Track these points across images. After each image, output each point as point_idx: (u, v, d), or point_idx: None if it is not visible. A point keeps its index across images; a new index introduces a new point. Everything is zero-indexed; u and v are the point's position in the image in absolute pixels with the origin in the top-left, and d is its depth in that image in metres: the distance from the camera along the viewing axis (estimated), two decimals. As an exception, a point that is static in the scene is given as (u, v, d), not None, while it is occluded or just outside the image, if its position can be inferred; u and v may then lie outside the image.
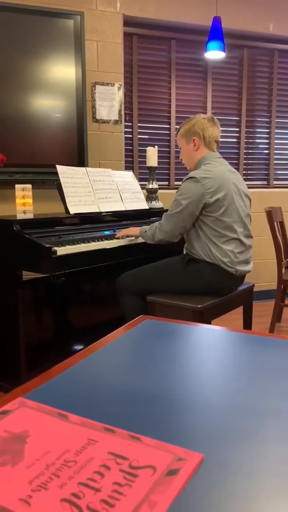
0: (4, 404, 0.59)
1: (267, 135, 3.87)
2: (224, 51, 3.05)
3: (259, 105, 3.80)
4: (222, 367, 0.70)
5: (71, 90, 2.83)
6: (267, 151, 3.89)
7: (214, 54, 3.09)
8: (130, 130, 3.43)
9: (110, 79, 3.13)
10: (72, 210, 2.21)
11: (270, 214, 2.76)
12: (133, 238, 2.24)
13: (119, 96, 3.16)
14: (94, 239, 2.14)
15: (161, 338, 0.83)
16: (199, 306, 1.91)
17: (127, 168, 3.38)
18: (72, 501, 0.41)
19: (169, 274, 2.09)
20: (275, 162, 3.91)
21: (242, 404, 0.59)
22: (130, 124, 3.43)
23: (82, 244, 2.05)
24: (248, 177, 3.84)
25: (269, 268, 3.73)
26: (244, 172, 3.83)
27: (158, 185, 2.91)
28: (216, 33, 2.98)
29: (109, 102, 3.14)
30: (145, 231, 2.11)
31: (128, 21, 3.20)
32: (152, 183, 2.83)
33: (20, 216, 2.11)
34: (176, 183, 3.59)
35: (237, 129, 3.76)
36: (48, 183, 2.83)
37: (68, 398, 0.60)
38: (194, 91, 3.59)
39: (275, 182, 3.93)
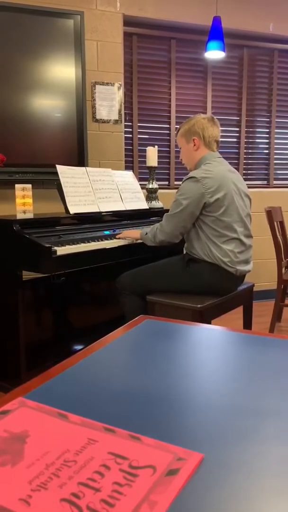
0: (4, 404, 0.59)
1: (267, 135, 3.87)
2: (224, 51, 3.05)
3: (259, 105, 3.80)
4: (222, 367, 0.70)
5: (71, 90, 2.83)
6: (267, 151, 3.89)
7: (214, 54, 3.09)
8: (130, 130, 3.43)
9: (110, 79, 3.13)
10: (72, 210, 2.21)
11: (270, 214, 2.76)
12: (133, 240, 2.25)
13: (119, 96, 3.16)
14: (94, 239, 2.14)
15: (161, 338, 0.83)
16: (199, 306, 1.91)
17: (127, 168, 3.38)
18: (72, 501, 0.41)
19: (169, 274, 2.09)
20: (275, 162, 3.91)
21: (242, 404, 0.59)
22: (130, 124, 3.43)
23: (82, 244, 2.05)
24: (248, 177, 3.84)
25: (269, 268, 3.73)
26: (244, 172, 3.83)
27: (158, 185, 2.91)
28: (216, 33, 2.97)
29: (109, 102, 3.14)
30: (146, 234, 2.11)
31: (128, 21, 3.20)
32: (152, 183, 2.83)
33: (20, 216, 2.11)
34: (176, 183, 3.59)
35: (237, 129, 3.77)
36: (48, 183, 2.83)
37: (68, 398, 0.60)
38: (194, 91, 3.59)
39: (275, 182, 3.93)
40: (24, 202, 2.19)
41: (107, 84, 3.12)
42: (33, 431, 0.52)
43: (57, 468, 0.45)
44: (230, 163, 2.17)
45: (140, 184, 2.78)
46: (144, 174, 3.34)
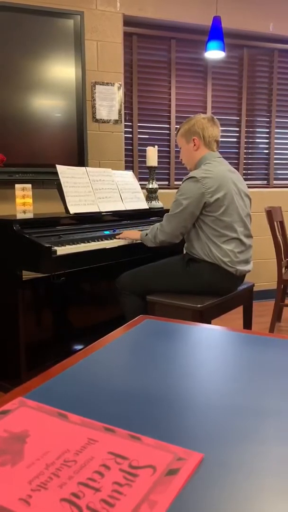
0: (4, 404, 0.59)
1: (267, 135, 3.87)
2: (224, 51, 3.05)
3: (259, 105, 3.80)
4: (222, 367, 0.70)
5: (71, 90, 2.83)
6: (267, 151, 3.89)
7: (214, 53, 3.09)
8: (130, 130, 3.43)
9: (110, 78, 3.13)
10: (72, 209, 2.21)
11: (270, 214, 2.76)
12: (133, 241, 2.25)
13: (119, 96, 3.16)
14: (94, 239, 2.14)
15: (161, 338, 0.83)
16: (199, 306, 1.91)
17: (127, 168, 3.38)
18: (72, 500, 0.41)
19: (169, 274, 2.09)
20: (275, 162, 3.91)
21: (242, 404, 0.59)
22: (130, 124, 3.43)
23: (82, 244, 2.05)
24: (248, 176, 3.84)
25: (269, 267, 3.73)
26: (244, 171, 3.83)
27: (158, 185, 2.91)
28: (216, 32, 2.97)
29: (109, 102, 3.14)
30: (146, 235, 2.11)
31: (128, 21, 3.20)
32: (152, 183, 2.83)
33: (20, 216, 2.11)
34: (176, 183, 3.59)
35: (237, 129, 3.76)
36: (48, 183, 2.83)
37: (68, 398, 0.60)
38: (194, 90, 3.59)
39: (275, 182, 3.93)
40: (24, 202, 2.19)
41: (107, 84, 3.12)
42: (33, 431, 0.52)
43: (57, 468, 0.45)
44: (230, 163, 2.17)
45: (140, 184, 2.78)
46: (144, 174, 3.34)
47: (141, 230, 2.21)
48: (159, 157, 2.97)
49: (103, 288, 2.70)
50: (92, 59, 3.06)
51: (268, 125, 3.85)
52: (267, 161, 3.90)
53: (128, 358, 0.74)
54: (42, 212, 2.56)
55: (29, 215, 2.15)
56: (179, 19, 3.31)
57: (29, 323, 2.24)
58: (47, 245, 1.86)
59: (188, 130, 2.09)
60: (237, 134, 3.77)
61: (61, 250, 1.92)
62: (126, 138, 3.37)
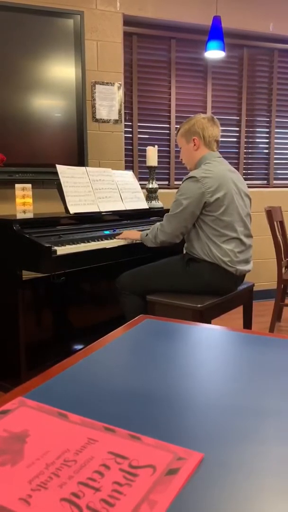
0: (4, 404, 0.58)
1: (267, 135, 3.87)
2: (224, 51, 3.05)
3: (259, 105, 3.80)
4: (222, 366, 0.70)
5: (71, 89, 2.83)
6: (267, 151, 3.89)
7: (214, 53, 3.09)
8: (130, 129, 3.43)
9: (110, 78, 3.13)
10: (72, 209, 2.21)
11: (270, 214, 2.76)
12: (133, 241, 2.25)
13: (119, 96, 3.16)
14: (94, 239, 2.14)
15: (161, 338, 0.83)
16: (199, 305, 1.91)
17: (127, 167, 3.38)
18: (72, 500, 0.41)
19: (169, 273, 2.09)
20: (275, 161, 3.91)
21: (242, 403, 0.59)
22: (130, 123, 3.43)
23: (82, 244, 2.05)
24: (248, 176, 3.84)
25: (269, 267, 3.73)
26: (244, 171, 3.83)
27: (158, 184, 2.91)
28: (216, 32, 2.97)
29: (109, 102, 3.14)
30: (146, 235, 2.11)
31: (128, 21, 3.20)
32: (152, 183, 2.83)
33: (20, 216, 2.11)
34: (176, 182, 3.59)
35: (237, 129, 3.76)
36: (48, 183, 2.83)
37: (68, 398, 0.60)
38: (194, 90, 3.59)
39: (275, 182, 3.93)
40: (24, 202, 2.19)
41: (107, 84, 3.12)
42: (33, 431, 0.52)
43: (57, 468, 0.45)
44: (230, 163, 2.17)
45: (140, 184, 2.78)
46: (144, 174, 3.34)
47: (141, 230, 2.21)
48: (159, 157, 2.97)
49: (103, 288, 2.70)
50: (92, 59, 3.06)
51: (268, 125, 3.85)
52: (267, 161, 3.90)
53: (128, 358, 0.74)
54: (42, 212, 2.56)
55: (29, 215, 2.15)
56: (179, 19, 3.31)
57: (29, 323, 2.24)
58: (47, 245, 1.86)
59: (188, 130, 2.09)
60: (237, 134, 3.77)
61: (61, 250, 1.92)
62: (126, 138, 3.37)
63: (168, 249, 2.26)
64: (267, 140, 3.88)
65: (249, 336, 0.84)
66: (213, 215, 1.95)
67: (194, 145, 2.08)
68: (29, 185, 2.22)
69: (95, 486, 0.42)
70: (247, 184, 2.19)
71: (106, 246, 2.13)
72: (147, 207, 2.68)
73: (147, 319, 0.95)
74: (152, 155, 2.78)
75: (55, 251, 1.88)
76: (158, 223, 2.08)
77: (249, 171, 3.87)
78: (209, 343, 0.80)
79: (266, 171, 3.91)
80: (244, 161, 3.82)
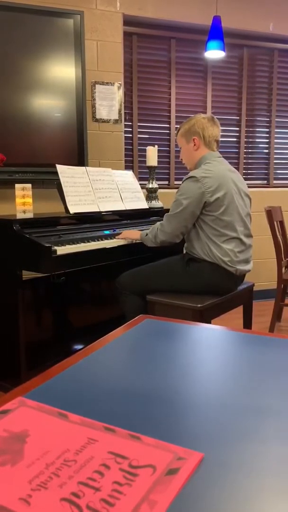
0: (4, 404, 0.58)
1: (267, 135, 3.87)
2: (224, 51, 3.05)
3: (259, 105, 3.80)
4: (222, 366, 0.70)
5: (71, 89, 2.83)
6: (267, 151, 3.89)
7: (214, 53, 3.09)
8: (130, 129, 3.43)
9: (110, 78, 3.13)
10: (72, 209, 2.21)
11: (270, 214, 2.76)
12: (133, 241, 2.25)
13: (119, 96, 3.16)
14: (94, 239, 2.14)
15: (161, 338, 0.83)
16: (199, 305, 1.91)
17: (127, 167, 3.38)
18: (72, 500, 0.41)
19: (169, 273, 2.09)
20: (275, 161, 3.91)
21: (242, 403, 0.59)
22: (130, 123, 3.43)
23: (82, 244, 2.05)
24: (248, 176, 3.84)
25: (269, 267, 3.73)
26: (244, 171, 3.83)
27: (158, 184, 2.91)
28: (216, 32, 2.97)
29: (109, 102, 3.14)
30: (146, 234, 2.11)
31: (128, 21, 3.20)
32: (152, 183, 2.83)
33: (20, 216, 2.11)
34: (176, 182, 3.59)
35: (237, 129, 3.76)
36: (48, 183, 2.83)
37: (68, 398, 0.60)
38: (194, 90, 3.59)
39: (275, 182, 3.93)
40: (24, 202, 2.19)
41: (107, 83, 3.12)
42: (33, 431, 0.52)
43: (57, 468, 0.45)
44: (230, 163, 2.17)
45: (140, 184, 2.78)
46: (144, 174, 3.34)
47: (141, 230, 2.21)
48: (159, 156, 2.97)
49: (103, 288, 2.70)
50: (92, 58, 3.06)
51: (268, 124, 3.85)
52: (267, 161, 3.90)
53: (128, 358, 0.74)
54: (42, 212, 2.56)
55: (29, 215, 2.15)
56: (179, 19, 3.31)
57: (29, 323, 2.24)
58: (47, 245, 1.86)
59: (188, 130, 2.09)
60: (237, 134, 3.77)
61: (61, 250, 1.92)
62: (126, 137, 3.37)
63: (168, 249, 2.26)
64: (267, 140, 3.88)
65: (249, 336, 0.84)
66: (213, 215, 1.95)
67: (194, 145, 2.08)
68: (29, 185, 2.22)
69: (95, 486, 0.42)
70: (247, 184, 2.19)
71: (106, 246, 2.13)
72: (147, 207, 2.68)
73: (147, 319, 0.95)
74: (152, 155, 2.78)
75: (55, 251, 1.88)
76: (158, 223, 2.08)
77: (249, 171, 3.87)
78: (209, 343, 0.80)
79: (266, 171, 3.91)
80: (244, 161, 3.82)
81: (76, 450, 0.48)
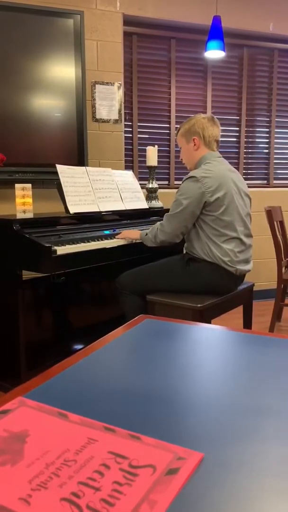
0: (4, 404, 0.58)
1: (267, 135, 3.87)
2: (224, 51, 3.05)
3: (259, 105, 3.80)
4: (222, 366, 0.70)
5: (71, 89, 2.83)
6: (267, 151, 3.89)
7: (214, 53, 3.09)
8: (130, 129, 3.43)
9: (110, 78, 3.13)
10: (72, 209, 2.21)
11: (270, 214, 2.76)
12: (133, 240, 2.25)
13: (119, 96, 3.16)
14: (94, 239, 2.14)
15: (161, 338, 0.83)
16: (199, 305, 1.91)
17: (127, 167, 3.38)
18: (72, 500, 0.41)
19: (169, 273, 2.09)
20: (275, 161, 3.91)
21: (242, 403, 0.59)
22: (130, 123, 3.43)
23: (82, 244, 2.05)
24: (248, 176, 3.84)
25: (269, 267, 3.73)
26: (244, 171, 3.83)
27: (158, 184, 2.92)
28: (216, 32, 2.97)
29: (109, 102, 3.14)
30: (146, 234, 2.11)
31: (128, 21, 3.20)
32: (152, 183, 2.83)
33: (20, 216, 2.11)
34: (176, 182, 3.59)
35: (237, 129, 3.76)
36: (48, 183, 2.83)
37: (68, 397, 0.60)
38: (194, 90, 3.59)
39: (275, 182, 3.93)
40: (24, 202, 2.19)
41: (107, 83, 3.12)
42: (33, 431, 0.52)
43: (57, 468, 0.45)
44: (230, 163, 2.17)
45: (140, 184, 2.78)
46: (144, 174, 3.34)
47: (141, 230, 2.21)
48: (159, 156, 2.97)
49: (103, 288, 2.70)
50: (92, 58, 3.06)
51: (268, 124, 3.85)
52: (267, 161, 3.90)
53: (128, 357, 0.74)
54: (42, 212, 2.56)
55: (29, 215, 2.15)
56: (179, 19, 3.31)
57: (29, 323, 2.24)
58: (47, 245, 1.86)
59: (188, 130, 2.09)
60: (237, 134, 3.77)
61: (61, 250, 1.92)
62: (126, 137, 3.37)
63: (168, 249, 2.26)
64: (267, 140, 3.88)
65: (249, 336, 0.84)
66: (213, 215, 1.95)
67: (194, 145, 2.08)
68: (29, 185, 2.22)
69: (95, 486, 0.42)
70: (247, 184, 2.19)
71: (106, 246, 2.13)
72: (147, 207, 2.68)
73: (147, 319, 0.95)
74: (152, 155, 2.78)
75: (55, 251, 1.88)
76: (158, 223, 2.08)
77: (249, 171, 3.87)
78: (209, 343, 0.80)
79: (266, 171, 3.91)
80: (244, 161, 3.82)
81: (76, 450, 0.48)
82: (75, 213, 2.22)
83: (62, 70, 2.79)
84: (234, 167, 2.22)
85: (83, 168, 2.41)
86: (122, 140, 3.24)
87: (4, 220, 1.99)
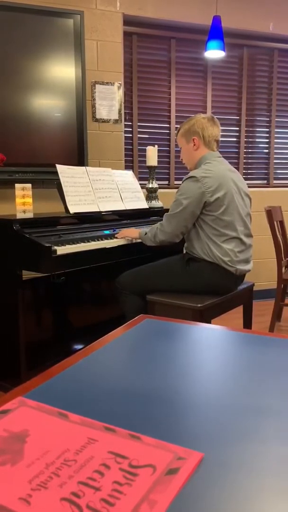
0: (4, 404, 0.59)
1: (267, 134, 3.87)
2: (224, 50, 3.05)
3: (259, 104, 3.80)
4: (222, 366, 0.70)
5: (71, 89, 2.83)
6: (267, 150, 3.89)
7: (214, 53, 3.09)
8: (130, 129, 3.43)
9: (110, 78, 3.13)
10: (72, 209, 2.21)
11: (270, 214, 2.76)
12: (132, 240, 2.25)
13: (119, 96, 3.16)
14: (94, 239, 2.14)
15: (161, 338, 0.83)
16: (199, 305, 1.91)
17: (127, 167, 3.38)
18: (72, 500, 0.41)
19: (169, 273, 2.09)
20: (275, 161, 3.91)
21: (242, 403, 0.59)
22: (130, 123, 3.43)
23: (82, 244, 2.05)
24: (248, 176, 3.84)
25: (269, 267, 3.73)
26: (244, 171, 3.83)
27: (158, 184, 2.92)
28: (216, 32, 2.97)
29: (109, 102, 3.14)
30: (145, 233, 2.11)
31: (128, 20, 3.20)
32: (152, 183, 2.83)
33: (20, 216, 2.11)
34: (176, 182, 3.59)
35: (237, 129, 3.76)
36: (48, 183, 2.83)
37: (68, 397, 0.60)
38: (194, 90, 3.59)
39: (275, 181, 3.93)
40: (24, 202, 2.19)
41: (107, 83, 3.12)
42: (33, 431, 0.52)
43: (57, 468, 0.45)
44: (230, 163, 2.17)
45: (140, 184, 2.78)
46: (144, 174, 3.34)
47: (141, 229, 2.21)
48: (159, 156, 2.97)
49: (103, 288, 2.70)
50: (92, 58, 3.06)
51: (268, 124, 3.85)
52: (267, 161, 3.90)
53: (128, 358, 0.74)
54: (42, 212, 2.56)
55: (29, 215, 2.15)
56: (179, 19, 3.31)
57: (29, 323, 2.24)
58: (47, 245, 1.86)
59: (188, 130, 2.09)
60: (237, 134, 3.77)
61: (61, 250, 1.92)
62: (126, 137, 3.37)
63: (168, 249, 2.26)
64: (267, 140, 3.88)
65: (249, 336, 0.84)
66: (213, 215, 1.95)
67: (194, 145, 2.08)
68: (29, 185, 2.22)
69: (95, 486, 0.42)
70: (247, 184, 2.20)
71: (106, 246, 2.13)
72: (147, 207, 2.69)
73: (147, 319, 0.95)
74: (152, 155, 2.78)
75: (55, 251, 1.88)
76: (158, 223, 2.08)
77: (249, 171, 3.87)
78: (209, 343, 0.80)
79: (266, 171, 3.91)
80: (244, 161, 3.82)
81: (76, 450, 0.48)
82: (75, 213, 2.22)
83: (62, 70, 2.79)
84: (234, 167, 2.22)
85: (83, 168, 2.41)
86: (122, 140, 3.24)
87: (4, 220, 1.99)
